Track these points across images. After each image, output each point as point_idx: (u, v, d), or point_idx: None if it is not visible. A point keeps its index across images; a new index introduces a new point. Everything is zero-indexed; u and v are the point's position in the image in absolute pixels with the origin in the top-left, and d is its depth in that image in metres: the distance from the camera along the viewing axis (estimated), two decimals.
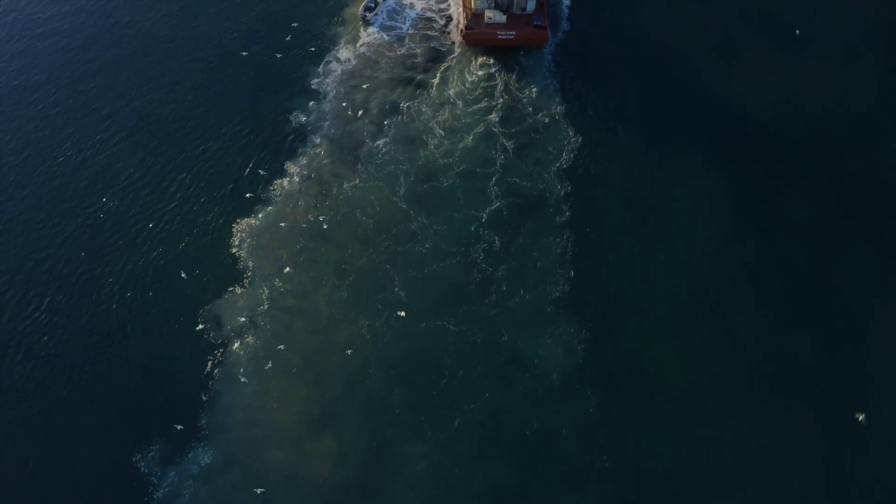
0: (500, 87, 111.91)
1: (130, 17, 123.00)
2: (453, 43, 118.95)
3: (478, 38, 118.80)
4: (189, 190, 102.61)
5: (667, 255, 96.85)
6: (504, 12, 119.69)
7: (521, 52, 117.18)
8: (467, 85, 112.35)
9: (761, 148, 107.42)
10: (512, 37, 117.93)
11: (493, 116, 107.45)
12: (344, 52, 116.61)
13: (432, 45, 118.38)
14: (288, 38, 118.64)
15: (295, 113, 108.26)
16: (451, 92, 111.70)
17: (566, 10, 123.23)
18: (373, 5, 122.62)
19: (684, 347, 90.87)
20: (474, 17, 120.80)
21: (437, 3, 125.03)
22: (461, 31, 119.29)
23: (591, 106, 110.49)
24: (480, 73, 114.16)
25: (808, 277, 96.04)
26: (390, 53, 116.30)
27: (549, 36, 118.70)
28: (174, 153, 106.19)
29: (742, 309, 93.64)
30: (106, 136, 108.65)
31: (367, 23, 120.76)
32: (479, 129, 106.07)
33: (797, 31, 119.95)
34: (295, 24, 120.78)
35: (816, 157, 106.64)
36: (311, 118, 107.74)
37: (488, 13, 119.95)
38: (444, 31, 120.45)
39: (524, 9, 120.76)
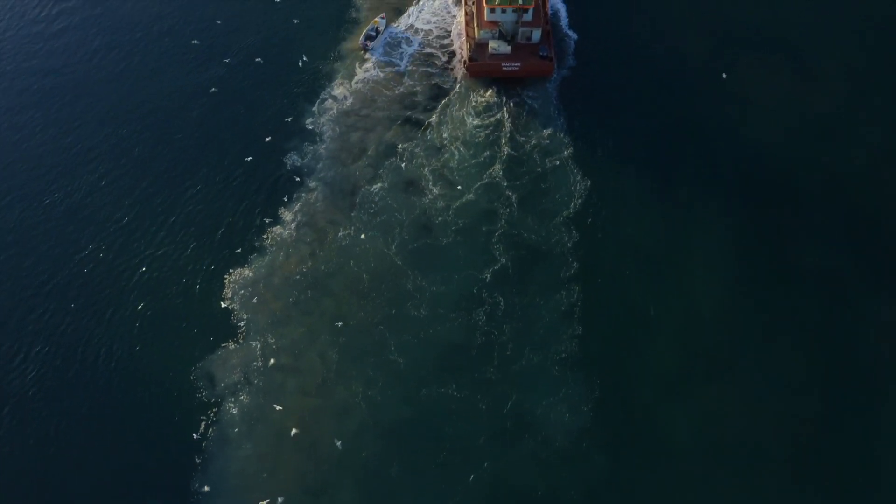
0: (503, 131, 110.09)
1: (120, 58, 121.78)
2: (455, 78, 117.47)
3: (481, 70, 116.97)
4: (180, 237, 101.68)
5: (676, 308, 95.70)
6: (508, 42, 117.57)
7: (527, 88, 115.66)
8: (469, 127, 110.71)
9: (773, 192, 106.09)
10: (517, 68, 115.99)
11: (497, 167, 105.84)
12: (340, 89, 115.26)
13: (433, 81, 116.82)
14: (283, 75, 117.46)
15: (290, 154, 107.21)
16: (452, 135, 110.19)
17: (573, 44, 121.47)
18: (374, 34, 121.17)
19: (694, 407, 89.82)
20: (478, 48, 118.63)
21: (439, 37, 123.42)
22: (464, 63, 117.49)
23: (599, 146, 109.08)
24: (483, 113, 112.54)
25: (822, 330, 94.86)
26: (388, 92, 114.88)
27: (555, 67, 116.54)
28: (164, 197, 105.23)
29: (754, 365, 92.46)
30: (93, 178, 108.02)
31: (367, 51, 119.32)
32: (482, 180, 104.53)
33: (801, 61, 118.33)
34: (290, 59, 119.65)
35: (830, 202, 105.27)
36: (306, 160, 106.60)
37: (492, 44, 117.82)
38: (445, 68, 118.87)
39: (529, 38, 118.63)
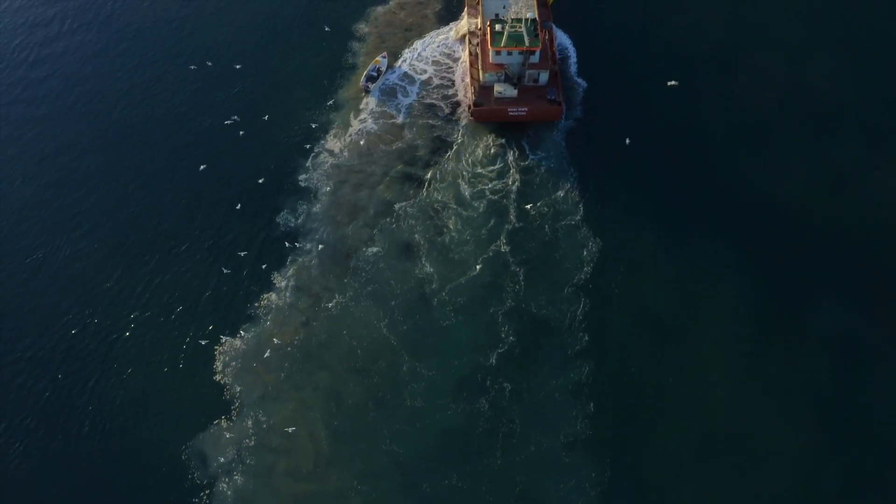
0: (508, 189, 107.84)
1: (105, 109, 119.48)
2: (458, 123, 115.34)
3: (487, 115, 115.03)
4: (169, 304, 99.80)
5: (689, 381, 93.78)
6: (515, 86, 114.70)
7: (534, 138, 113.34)
8: (471, 186, 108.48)
9: (789, 248, 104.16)
10: (524, 113, 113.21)
11: (501, 232, 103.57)
12: (335, 142, 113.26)
13: (434, 133, 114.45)
14: (276, 125, 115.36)
15: (282, 213, 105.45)
16: (453, 195, 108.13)
17: (581, 92, 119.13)
18: (375, 75, 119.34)
19: (707, 488, 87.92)
20: (483, 91, 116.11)
21: (441, 83, 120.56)
22: (468, 107, 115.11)
23: (610, 201, 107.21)
24: (486, 167, 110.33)
25: (837, 400, 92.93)
26: (385, 146, 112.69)
27: (564, 111, 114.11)
28: (153, 262, 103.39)
29: (768, 439, 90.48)
30: (76, 235, 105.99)
31: (367, 93, 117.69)
32: (485, 248, 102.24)
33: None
34: (284, 107, 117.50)
35: (848, 259, 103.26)
36: (299, 220, 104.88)
37: (498, 87, 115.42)
38: (447, 117, 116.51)
39: (536, 80, 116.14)
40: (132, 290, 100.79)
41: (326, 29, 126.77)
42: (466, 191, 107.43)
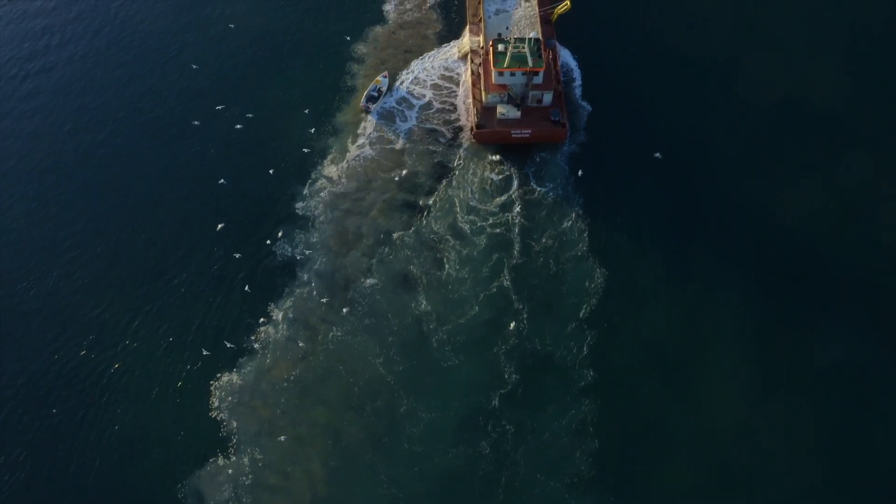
0: (510, 217, 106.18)
1: (95, 129, 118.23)
2: (460, 145, 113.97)
3: (489, 137, 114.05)
4: (161, 334, 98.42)
5: (694, 417, 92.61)
6: (518, 106, 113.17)
7: (538, 163, 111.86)
8: (471, 215, 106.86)
9: (796, 277, 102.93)
10: (527, 135, 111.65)
11: (503, 263, 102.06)
12: (333, 168, 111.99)
13: (435, 159, 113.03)
14: (272, 149, 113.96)
15: (280, 243, 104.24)
16: (453, 223, 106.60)
17: (586, 116, 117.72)
18: (376, 95, 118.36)
19: None
20: (485, 112, 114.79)
21: (442, 106, 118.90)
22: (471, 129, 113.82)
23: (616, 229, 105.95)
24: (489, 193, 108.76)
25: (845, 434, 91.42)
26: (384, 173, 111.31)
27: (568, 132, 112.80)
28: (143, 289, 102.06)
29: (775, 475, 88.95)
30: (65, 260, 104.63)
31: (368, 113, 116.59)
32: (486, 282, 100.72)
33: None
34: (280, 129, 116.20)
35: (857, 288, 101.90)
36: (297, 249, 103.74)
37: (501, 108, 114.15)
38: (449, 142, 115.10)
39: (540, 101, 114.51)
40: (122, 319, 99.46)
41: (323, 50, 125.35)
42: (467, 221, 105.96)
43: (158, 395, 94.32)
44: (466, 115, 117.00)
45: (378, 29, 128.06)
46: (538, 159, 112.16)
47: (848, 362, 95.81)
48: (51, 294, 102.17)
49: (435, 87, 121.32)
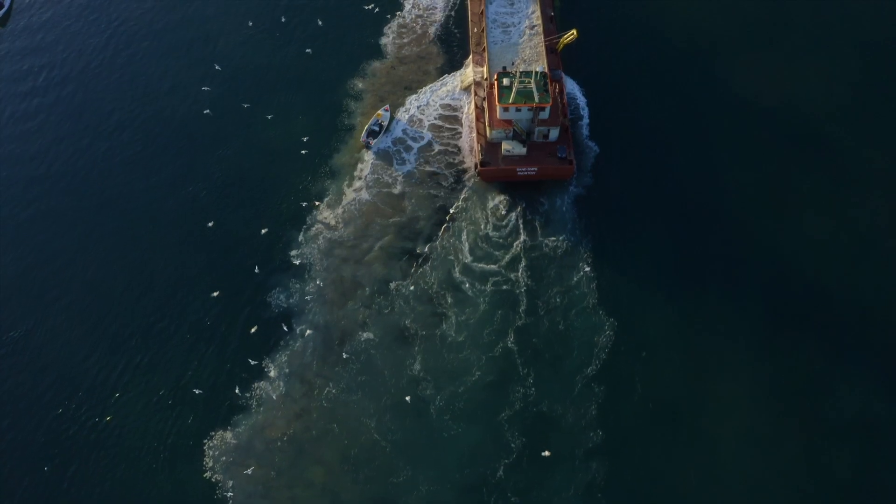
0: (517, 278, 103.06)
1: (88, 173, 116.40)
2: (459, 195, 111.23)
3: (494, 175, 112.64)
4: (153, 388, 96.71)
5: (704, 476, 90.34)
6: (523, 143, 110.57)
7: (542, 203, 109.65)
8: (475, 269, 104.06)
9: (807, 321, 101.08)
10: (533, 173, 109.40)
11: (508, 333, 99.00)
12: (330, 213, 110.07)
13: (436, 204, 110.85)
14: (267, 191, 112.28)
15: (274, 292, 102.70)
16: (454, 276, 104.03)
17: (592, 157, 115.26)
18: (377, 129, 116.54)
19: None
20: (490, 148, 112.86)
21: (445, 147, 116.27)
22: (475, 165, 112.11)
23: (624, 280, 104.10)
24: (492, 241, 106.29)
25: (854, 492, 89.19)
26: (382, 219, 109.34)
27: (575, 169, 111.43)
28: (134, 341, 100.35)
29: None
30: (58, 307, 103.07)
31: (369, 149, 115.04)
32: (491, 352, 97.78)
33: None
34: (273, 171, 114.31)
35: (870, 337, 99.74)
36: (292, 300, 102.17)
37: (506, 145, 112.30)
38: (451, 186, 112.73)
39: (546, 136, 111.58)
40: (113, 371, 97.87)
41: (320, 87, 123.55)
42: (469, 274, 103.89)
43: (150, 451, 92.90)
44: (470, 153, 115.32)
45: (377, 64, 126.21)
46: (544, 204, 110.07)
47: (862, 413, 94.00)
48: (39, 344, 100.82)
49: (435, 127, 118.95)
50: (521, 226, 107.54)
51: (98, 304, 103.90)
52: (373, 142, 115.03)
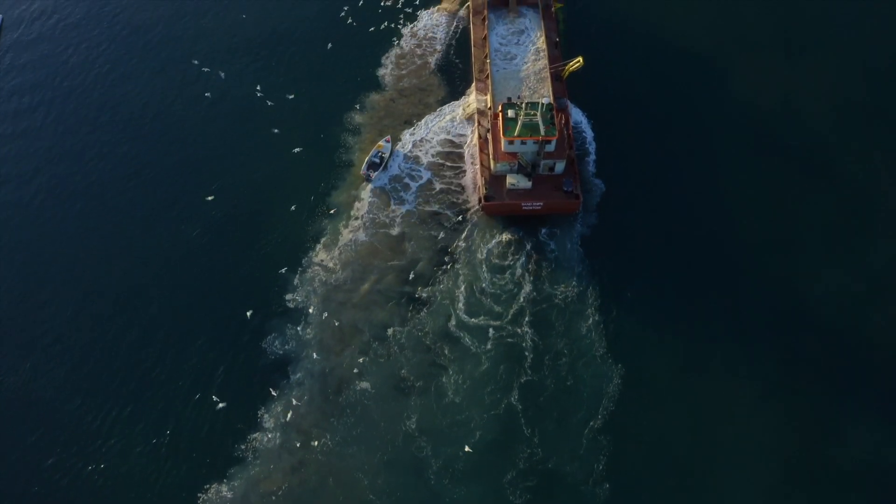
0: (521, 326, 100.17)
1: (73, 204, 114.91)
2: (460, 236, 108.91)
3: (498, 210, 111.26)
4: (142, 436, 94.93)
5: None
6: (529, 176, 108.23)
7: (548, 249, 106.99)
8: (477, 316, 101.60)
9: (818, 370, 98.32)
10: (539, 208, 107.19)
11: (512, 386, 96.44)
12: (326, 255, 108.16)
13: (437, 246, 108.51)
14: (262, 230, 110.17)
15: (270, 339, 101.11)
16: (455, 323, 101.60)
17: (599, 195, 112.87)
18: (378, 161, 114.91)
19: None
20: (494, 182, 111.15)
21: (448, 192, 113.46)
22: (479, 200, 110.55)
23: (634, 326, 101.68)
24: (495, 282, 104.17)
25: None
26: (379, 260, 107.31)
27: (582, 204, 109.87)
28: (128, 391, 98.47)
29: None
30: (42, 346, 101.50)
31: (370, 181, 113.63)
32: (495, 408, 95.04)
33: None
34: (269, 207, 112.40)
35: (883, 382, 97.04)
36: (288, 346, 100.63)
37: (510, 178, 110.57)
38: (452, 228, 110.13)
39: (552, 169, 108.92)
40: (99, 418, 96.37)
41: (315, 122, 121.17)
42: (470, 322, 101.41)
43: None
44: (474, 191, 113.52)
45: (375, 96, 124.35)
46: (550, 245, 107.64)
47: (874, 461, 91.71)
48: (25, 387, 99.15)
49: (436, 165, 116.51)
50: (526, 271, 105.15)
51: (86, 349, 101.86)
52: (373, 174, 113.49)
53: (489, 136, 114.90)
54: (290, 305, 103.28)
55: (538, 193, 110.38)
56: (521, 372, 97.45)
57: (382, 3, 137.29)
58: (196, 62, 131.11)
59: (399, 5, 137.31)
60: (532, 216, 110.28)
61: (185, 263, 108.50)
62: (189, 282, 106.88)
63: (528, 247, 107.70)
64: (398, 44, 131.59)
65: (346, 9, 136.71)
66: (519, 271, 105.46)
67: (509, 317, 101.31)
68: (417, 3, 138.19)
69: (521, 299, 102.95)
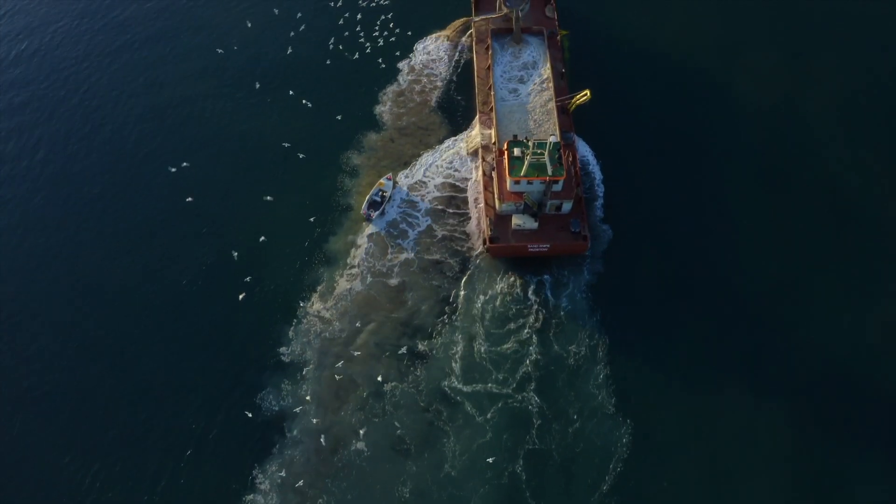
0: (527, 392, 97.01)
1: (65, 268, 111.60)
2: (464, 281, 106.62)
3: (504, 252, 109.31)
4: (140, 500, 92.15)
5: None
6: (535, 216, 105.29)
7: (559, 307, 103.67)
8: (478, 374, 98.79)
9: (832, 423, 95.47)
10: (545, 250, 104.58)
11: (516, 455, 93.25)
12: (322, 306, 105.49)
13: (439, 295, 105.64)
14: (254, 281, 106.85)
15: (264, 393, 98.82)
16: (455, 380, 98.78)
17: (606, 242, 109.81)
18: (379, 200, 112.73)
19: None
20: (499, 222, 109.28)
21: (452, 239, 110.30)
22: (483, 241, 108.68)
23: (644, 379, 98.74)
24: (499, 332, 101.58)
25: None
26: (377, 312, 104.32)
27: (590, 245, 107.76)
28: (121, 451, 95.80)
29: None
30: (31, 397, 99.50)
31: (370, 221, 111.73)
32: (499, 478, 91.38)
33: None
34: (259, 255, 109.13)
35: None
36: (284, 403, 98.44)
37: (516, 219, 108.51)
38: (455, 278, 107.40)
39: (559, 209, 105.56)
40: (82, 473, 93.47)
41: (310, 163, 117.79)
42: (470, 387, 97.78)
43: None
44: (479, 235, 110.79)
45: (372, 136, 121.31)
46: (558, 295, 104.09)
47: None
48: (13, 444, 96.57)
49: (437, 212, 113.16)
50: (532, 328, 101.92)
51: (77, 401, 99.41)
52: (374, 214, 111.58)
53: (494, 174, 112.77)
54: (285, 359, 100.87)
55: (545, 235, 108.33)
56: (524, 437, 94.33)
57: (377, 35, 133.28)
58: (188, 111, 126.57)
59: (393, 39, 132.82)
60: (538, 257, 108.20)
61: (175, 314, 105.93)
62: (180, 333, 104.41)
63: (534, 299, 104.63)
64: (397, 79, 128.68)
65: (339, 46, 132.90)
66: (524, 327, 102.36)
67: (514, 382, 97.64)
68: (414, 33, 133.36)
69: (527, 361, 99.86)
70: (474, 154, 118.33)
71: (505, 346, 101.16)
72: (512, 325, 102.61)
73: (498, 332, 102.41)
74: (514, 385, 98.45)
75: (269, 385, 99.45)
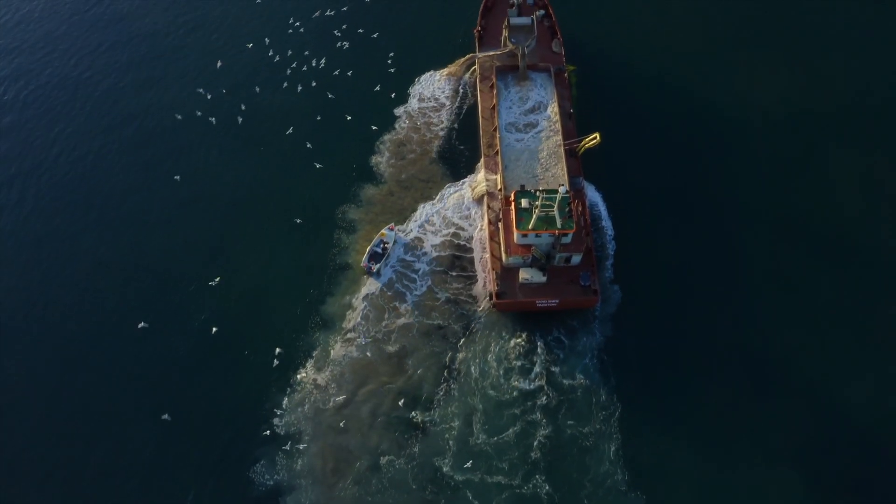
0: (533, 477, 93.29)
1: (51, 342, 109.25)
2: (467, 340, 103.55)
3: (511, 307, 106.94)
4: None
5: None
6: (543, 269, 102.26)
7: (568, 386, 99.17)
8: (481, 454, 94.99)
9: (856, 494, 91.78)
10: (554, 305, 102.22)
11: None
12: (317, 374, 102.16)
13: (441, 361, 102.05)
14: (247, 348, 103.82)
15: (258, 468, 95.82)
16: (454, 458, 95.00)
17: (615, 305, 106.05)
18: (380, 251, 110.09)
19: None
20: (506, 275, 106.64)
21: (456, 302, 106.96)
22: (489, 296, 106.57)
23: (656, 451, 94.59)
24: (506, 399, 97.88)
25: None
26: (374, 381, 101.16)
27: (600, 299, 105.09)
28: None
29: None
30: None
31: (370, 275, 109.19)
32: None
33: None
34: (254, 319, 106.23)
35: None
36: (278, 476, 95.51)
37: (524, 273, 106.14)
38: (456, 341, 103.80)
39: (568, 261, 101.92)
40: None
41: (305, 220, 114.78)
42: (473, 474, 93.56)
43: None
44: (484, 275, 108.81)
45: (370, 189, 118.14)
46: (568, 376, 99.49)
47: None
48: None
49: (437, 273, 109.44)
50: (540, 404, 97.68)
51: (63, 477, 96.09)
52: (375, 267, 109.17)
53: (500, 226, 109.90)
54: (279, 431, 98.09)
55: (553, 289, 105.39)
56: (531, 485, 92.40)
57: (374, 78, 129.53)
58: (177, 176, 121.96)
59: (391, 81, 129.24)
60: (547, 311, 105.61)
61: (164, 383, 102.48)
62: (168, 403, 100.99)
63: (540, 370, 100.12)
64: (396, 125, 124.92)
65: (332, 95, 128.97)
66: (530, 400, 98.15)
67: (521, 472, 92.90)
68: (413, 73, 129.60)
69: (534, 443, 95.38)
70: (479, 201, 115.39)
71: (509, 431, 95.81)
72: (517, 398, 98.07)
73: (503, 409, 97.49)
74: (521, 480, 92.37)
75: (262, 458, 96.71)
